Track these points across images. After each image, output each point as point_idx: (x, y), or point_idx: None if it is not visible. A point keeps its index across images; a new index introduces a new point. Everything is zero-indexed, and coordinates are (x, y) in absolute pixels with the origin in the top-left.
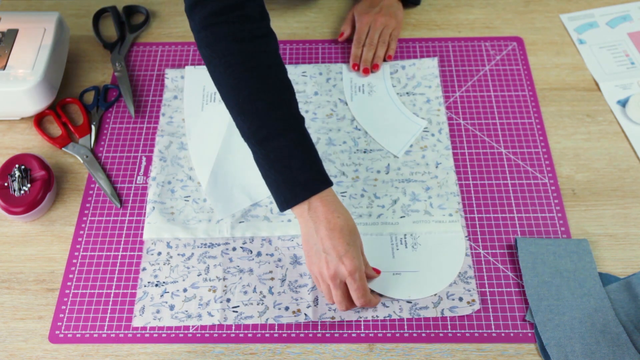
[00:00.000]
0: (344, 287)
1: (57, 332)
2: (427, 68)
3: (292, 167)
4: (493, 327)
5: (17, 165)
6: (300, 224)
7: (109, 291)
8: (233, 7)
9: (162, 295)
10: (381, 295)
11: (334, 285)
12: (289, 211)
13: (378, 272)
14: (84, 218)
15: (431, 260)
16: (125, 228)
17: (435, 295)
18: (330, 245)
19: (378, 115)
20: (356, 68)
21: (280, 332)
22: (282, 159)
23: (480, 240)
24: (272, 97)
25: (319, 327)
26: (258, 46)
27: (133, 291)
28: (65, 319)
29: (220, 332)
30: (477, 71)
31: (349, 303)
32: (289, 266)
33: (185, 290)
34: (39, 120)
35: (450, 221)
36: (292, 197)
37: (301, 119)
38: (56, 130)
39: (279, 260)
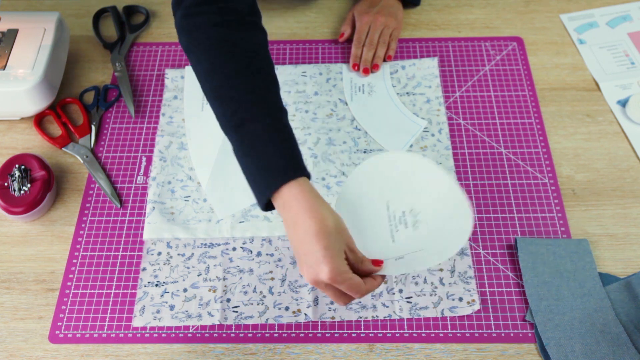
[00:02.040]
0: (333, 287)
1: (57, 332)
2: (427, 68)
3: (266, 152)
4: (493, 327)
5: (17, 165)
6: (284, 221)
7: (109, 291)
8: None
9: (162, 295)
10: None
11: (321, 289)
12: None
13: (379, 263)
14: (84, 218)
15: (435, 233)
16: (125, 228)
17: (435, 295)
18: (306, 250)
19: (378, 115)
20: (356, 68)
21: (280, 332)
22: (256, 144)
23: (480, 240)
24: (251, 83)
25: (319, 327)
26: (240, 33)
27: (133, 291)
28: (65, 319)
29: (220, 332)
30: (477, 71)
31: (347, 298)
32: (289, 266)
33: (185, 290)
34: (39, 120)
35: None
36: (265, 187)
37: (283, 110)
38: (56, 130)
39: (279, 260)
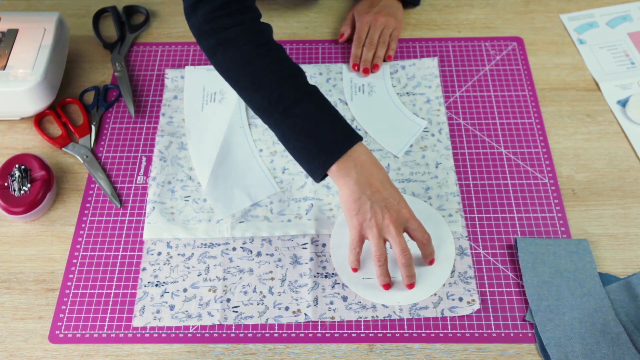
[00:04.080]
0: (402, 236)
1: (57, 332)
2: (427, 68)
3: (324, 126)
4: (493, 327)
5: (17, 165)
6: (343, 187)
7: (109, 291)
8: (235, 0)
9: (162, 295)
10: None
11: (397, 232)
12: (288, 211)
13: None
14: (84, 218)
15: (421, 265)
16: (125, 228)
17: (435, 295)
18: (387, 194)
19: (378, 116)
20: (356, 68)
21: (280, 332)
22: (311, 121)
23: (480, 240)
24: (284, 70)
25: (319, 327)
26: (261, 26)
27: (133, 291)
28: (65, 319)
29: (220, 332)
30: (477, 71)
31: (410, 255)
32: (289, 266)
33: (185, 290)
34: (39, 120)
35: (450, 221)
36: (333, 153)
37: (316, 87)
38: (56, 130)
39: (279, 260)
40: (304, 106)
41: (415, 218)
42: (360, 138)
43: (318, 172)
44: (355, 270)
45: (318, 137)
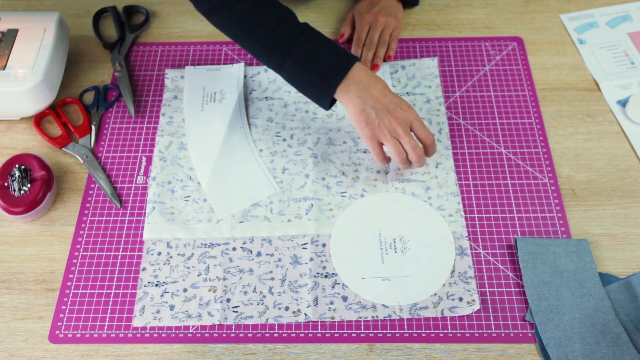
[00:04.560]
0: (410, 134)
1: (57, 332)
2: (427, 68)
3: (321, 58)
4: (493, 327)
5: (17, 165)
6: (348, 104)
7: (109, 291)
8: None
9: (162, 295)
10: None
11: (405, 132)
12: (288, 211)
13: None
14: (84, 218)
15: (420, 265)
16: (125, 228)
17: (435, 295)
18: (387, 101)
19: None
20: None
21: (280, 332)
22: (309, 56)
23: (480, 240)
24: (277, 16)
25: (319, 327)
26: None
27: (133, 291)
28: (65, 319)
29: (220, 332)
30: (477, 71)
31: (420, 148)
32: (289, 266)
33: (185, 290)
34: (39, 120)
35: (450, 221)
36: (334, 80)
37: (307, 24)
38: (56, 130)
39: (279, 260)
40: (300, 44)
41: (418, 119)
42: (356, 59)
43: (326, 100)
44: (386, 162)
45: (318, 69)
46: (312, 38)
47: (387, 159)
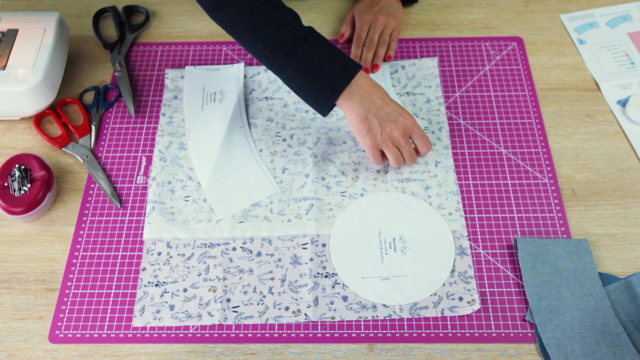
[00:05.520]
0: (408, 142)
1: (57, 332)
2: (427, 68)
3: (325, 63)
4: (493, 327)
5: (17, 165)
6: (349, 111)
7: (109, 291)
8: None
9: (162, 295)
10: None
11: (405, 141)
12: (288, 211)
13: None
14: (84, 218)
15: (420, 264)
16: (125, 228)
17: (435, 294)
18: (390, 109)
19: None
20: None
21: (280, 332)
22: (312, 61)
23: (480, 240)
24: (281, 18)
25: (319, 327)
26: None
27: (133, 291)
28: (65, 319)
29: (220, 332)
30: (477, 71)
31: (416, 157)
32: (289, 266)
33: (185, 290)
34: (39, 120)
35: (450, 220)
36: (337, 87)
37: (312, 28)
38: (56, 130)
39: (279, 260)
40: (304, 48)
41: (418, 127)
42: (360, 67)
43: (326, 106)
44: (382, 164)
45: (321, 74)
46: (317, 43)
47: (384, 161)
